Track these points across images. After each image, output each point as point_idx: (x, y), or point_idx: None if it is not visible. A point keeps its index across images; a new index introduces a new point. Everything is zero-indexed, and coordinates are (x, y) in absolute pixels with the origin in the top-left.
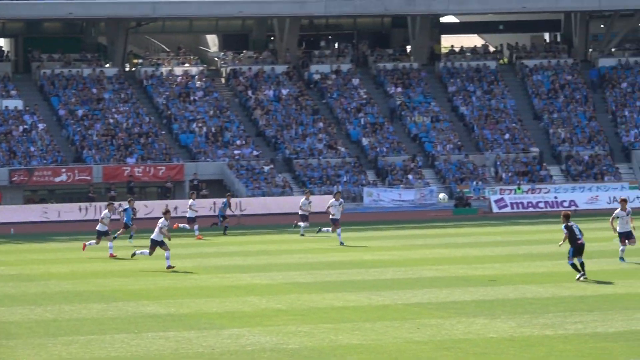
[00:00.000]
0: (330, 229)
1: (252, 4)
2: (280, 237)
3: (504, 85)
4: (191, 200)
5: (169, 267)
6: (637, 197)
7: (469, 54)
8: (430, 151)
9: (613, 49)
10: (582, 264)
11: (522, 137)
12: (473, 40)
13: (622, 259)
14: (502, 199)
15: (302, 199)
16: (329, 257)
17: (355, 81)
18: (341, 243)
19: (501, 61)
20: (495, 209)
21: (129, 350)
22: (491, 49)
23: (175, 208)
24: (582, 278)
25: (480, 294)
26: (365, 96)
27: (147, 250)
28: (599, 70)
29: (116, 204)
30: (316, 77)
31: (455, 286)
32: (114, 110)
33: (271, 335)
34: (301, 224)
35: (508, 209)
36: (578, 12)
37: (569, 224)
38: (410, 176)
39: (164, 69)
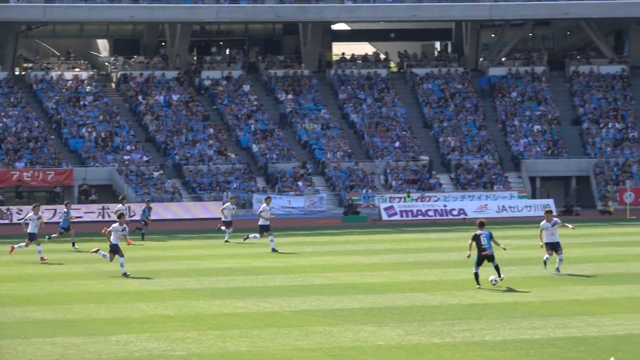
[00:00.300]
0: (258, 235)
1: (143, 9)
2: (169, 243)
3: (395, 93)
4: (119, 206)
5: (125, 273)
6: (526, 206)
7: (359, 61)
8: (321, 158)
9: (503, 59)
10: (496, 267)
11: (412, 145)
12: (364, 48)
13: (544, 263)
14: (391, 207)
15: (227, 203)
16: (218, 263)
17: (246, 87)
18: (273, 249)
19: (392, 69)
20: (384, 217)
21: (16, 356)
22: (382, 56)
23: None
24: (494, 281)
25: (368, 301)
26: (256, 103)
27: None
28: (489, 78)
29: (42, 207)
30: (207, 83)
31: (343, 294)
32: (3, 114)
33: (159, 341)
34: (223, 228)
35: (397, 217)
36: (469, 22)
37: (478, 232)
38: (300, 183)
39: (54, 74)
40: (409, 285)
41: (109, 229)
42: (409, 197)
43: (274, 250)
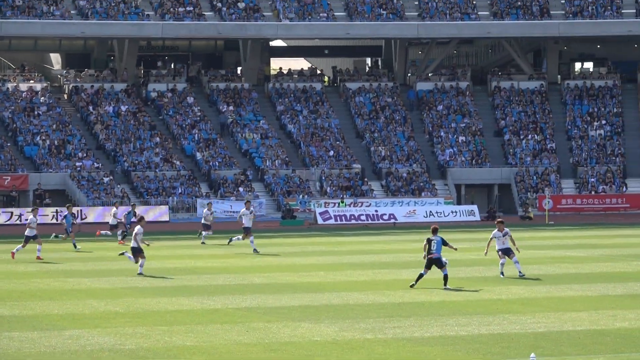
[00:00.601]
0: (240, 237)
1: (93, 26)
2: (116, 245)
3: (329, 106)
4: (114, 209)
5: (140, 273)
6: (452, 212)
7: (296, 76)
8: (260, 166)
9: (430, 74)
10: (445, 276)
11: (345, 154)
12: (300, 63)
13: (502, 266)
14: (326, 211)
15: (205, 209)
16: (164, 264)
17: (190, 99)
18: (255, 250)
19: (326, 83)
20: (320, 221)
21: None
22: (317, 71)
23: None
24: (426, 280)
25: (306, 300)
26: (199, 113)
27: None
28: (417, 92)
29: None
30: (153, 95)
31: (282, 292)
32: None
33: (109, 336)
34: (204, 232)
35: (332, 221)
36: (398, 40)
37: (431, 237)
38: (241, 189)
39: (10, 85)
40: (343, 285)
41: (134, 232)
42: (342, 202)
43: (255, 251)
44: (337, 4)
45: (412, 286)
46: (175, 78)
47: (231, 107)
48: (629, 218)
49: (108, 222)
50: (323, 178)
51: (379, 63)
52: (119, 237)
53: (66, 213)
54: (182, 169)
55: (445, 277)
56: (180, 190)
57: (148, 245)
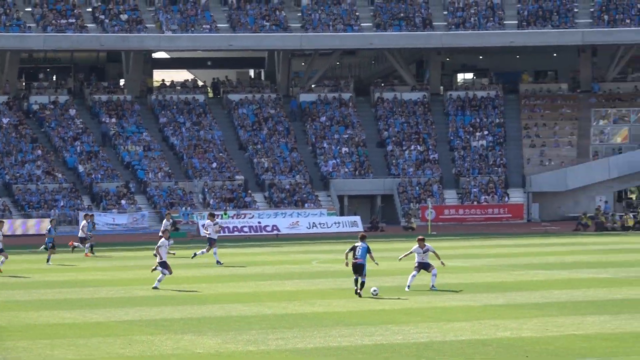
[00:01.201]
0: (205, 250)
1: None
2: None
3: (212, 118)
4: (84, 222)
5: (155, 287)
6: (335, 223)
7: (179, 87)
8: (143, 178)
9: (313, 85)
10: (362, 283)
11: (228, 166)
12: (183, 75)
13: (408, 286)
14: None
15: (164, 220)
16: (46, 277)
17: (72, 111)
18: (218, 262)
19: (209, 95)
20: (202, 233)
21: None
22: (200, 83)
23: None
24: (358, 292)
25: (188, 312)
26: (81, 126)
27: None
28: (299, 103)
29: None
30: (35, 107)
31: (164, 305)
32: None
33: None
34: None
35: None
36: (281, 51)
37: (356, 244)
38: (123, 201)
39: None
40: (225, 296)
41: (157, 245)
42: (225, 214)
43: (218, 262)
44: (220, 15)
45: (358, 293)
46: (57, 90)
47: (113, 119)
48: (511, 228)
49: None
50: (206, 190)
51: (262, 74)
52: (86, 250)
53: (85, 222)
54: (64, 181)
55: (362, 284)
56: (62, 203)
57: (174, 254)
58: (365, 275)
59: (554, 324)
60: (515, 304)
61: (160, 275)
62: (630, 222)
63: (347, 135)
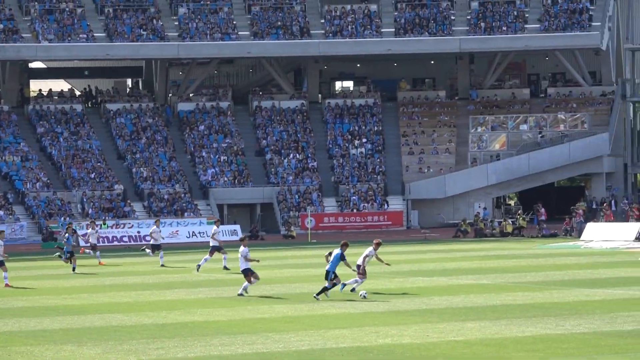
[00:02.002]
0: (208, 256)
1: None
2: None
3: (90, 127)
4: (90, 230)
5: (240, 294)
6: (231, 232)
7: (56, 97)
8: (21, 188)
9: (191, 94)
10: (324, 289)
11: (107, 176)
12: (60, 85)
13: (353, 289)
14: (87, 233)
15: (153, 226)
16: None
17: None
18: (199, 265)
19: (87, 104)
20: (82, 243)
21: None
22: (77, 92)
23: None
24: (318, 296)
25: (68, 322)
26: None
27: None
28: (177, 113)
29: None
30: None
31: (44, 315)
32: None
33: None
34: (148, 250)
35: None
36: (158, 60)
37: (334, 251)
38: (1, 212)
39: None
40: (105, 306)
41: (240, 254)
42: (104, 224)
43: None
44: (97, 24)
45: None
46: None
47: None
48: (390, 235)
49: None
50: (85, 200)
51: (140, 84)
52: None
53: (67, 235)
54: None
55: (324, 289)
56: None
57: (258, 261)
58: (331, 280)
59: (435, 330)
60: (396, 310)
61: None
62: (509, 228)
63: (225, 144)
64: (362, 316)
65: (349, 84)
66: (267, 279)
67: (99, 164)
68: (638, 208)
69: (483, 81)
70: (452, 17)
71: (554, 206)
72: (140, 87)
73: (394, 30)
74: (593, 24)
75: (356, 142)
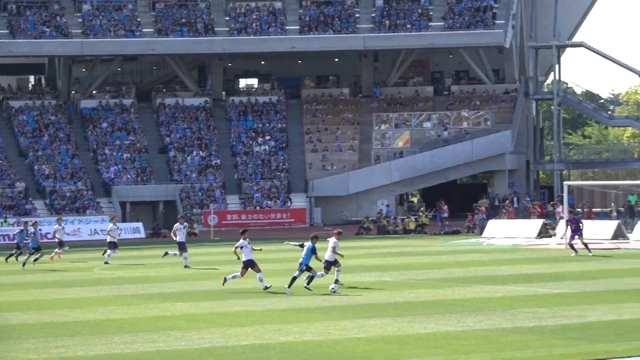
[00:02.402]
0: (177, 252)
1: None
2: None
3: None
4: (56, 226)
5: (265, 287)
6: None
7: None
8: None
9: (94, 91)
10: (293, 279)
11: (8, 173)
12: None
13: (312, 279)
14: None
15: (110, 225)
16: None
17: None
18: (186, 266)
19: None
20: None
21: None
22: None
23: None
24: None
25: None
26: None
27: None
28: (80, 110)
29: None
30: None
31: None
32: None
33: None
34: (109, 251)
35: None
36: (61, 57)
37: (307, 243)
38: None
39: None
40: (6, 305)
41: (237, 245)
42: (5, 222)
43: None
44: (0, 21)
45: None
46: None
47: None
48: (293, 232)
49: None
50: None
51: (43, 81)
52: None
53: (33, 230)
54: None
55: (293, 280)
56: None
57: (261, 250)
58: (301, 271)
59: (337, 327)
60: (298, 307)
61: (259, 274)
62: (412, 226)
63: (128, 142)
64: (264, 314)
65: (253, 81)
66: (169, 276)
67: (0, 161)
68: (540, 205)
69: (387, 79)
70: (357, 15)
71: (457, 203)
72: (43, 84)
73: (298, 27)
74: (497, 22)
75: (260, 139)
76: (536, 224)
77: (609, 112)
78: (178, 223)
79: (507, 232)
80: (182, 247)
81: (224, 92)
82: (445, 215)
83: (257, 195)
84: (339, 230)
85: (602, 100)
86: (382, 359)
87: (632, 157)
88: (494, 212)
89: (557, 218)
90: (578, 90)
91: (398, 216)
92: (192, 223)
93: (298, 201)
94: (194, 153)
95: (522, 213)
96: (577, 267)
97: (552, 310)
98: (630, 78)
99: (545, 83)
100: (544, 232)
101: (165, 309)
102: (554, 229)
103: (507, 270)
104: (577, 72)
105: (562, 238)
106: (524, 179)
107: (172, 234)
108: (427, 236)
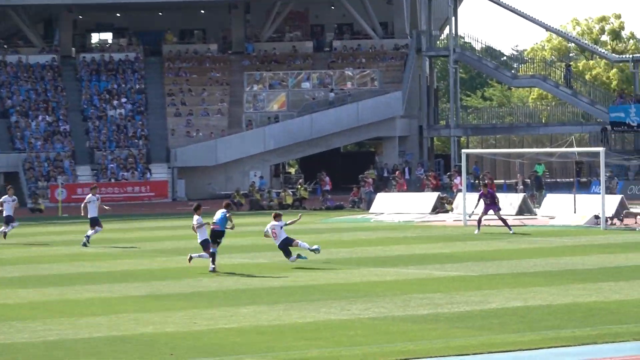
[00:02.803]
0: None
1: None
2: None
3: None
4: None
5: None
6: None
7: None
8: None
9: None
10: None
11: None
12: None
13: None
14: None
15: (6, 196)
16: None
17: None
18: (85, 244)
19: None
20: None
21: None
22: None
23: None
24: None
25: None
26: None
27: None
28: None
29: None
30: None
31: None
32: None
33: None
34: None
35: None
36: None
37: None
38: None
39: None
40: None
41: (194, 224)
42: None
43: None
44: None
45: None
46: None
47: None
48: (154, 208)
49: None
50: None
51: None
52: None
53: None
54: None
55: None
56: None
57: (232, 228)
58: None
59: (203, 316)
60: (160, 294)
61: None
62: (289, 200)
63: None
64: (120, 301)
65: (107, 36)
66: (9, 258)
67: None
68: (435, 176)
69: (260, 33)
70: None
71: (340, 174)
72: None
73: None
74: None
75: (115, 102)
76: (430, 197)
77: (513, 71)
78: (6, 195)
79: (398, 207)
80: (9, 220)
81: (73, 49)
82: (327, 188)
83: (111, 165)
84: (278, 212)
85: (505, 58)
86: (255, 351)
87: (538, 121)
88: (383, 184)
89: (454, 191)
90: (477, 47)
91: (273, 189)
92: (37, 198)
93: (159, 173)
94: (40, 118)
95: (415, 185)
96: (477, 246)
97: (449, 295)
98: (536, 33)
99: (440, 38)
100: (440, 207)
101: (6, 296)
102: (450, 203)
103: (398, 250)
104: (477, 25)
105: (471, 215)
106: (416, 147)
107: None
108: (306, 212)
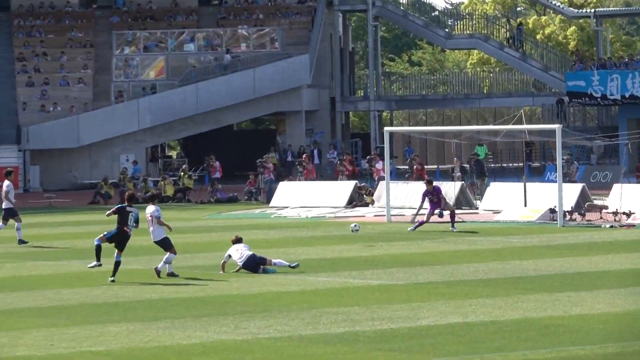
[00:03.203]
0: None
1: None
2: None
3: None
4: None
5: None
6: None
7: None
8: None
9: None
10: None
11: None
12: None
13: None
14: None
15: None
16: None
17: None
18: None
19: None
20: None
21: None
22: None
23: None
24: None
25: None
26: None
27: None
28: None
29: None
30: None
31: None
32: None
33: None
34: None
35: None
36: None
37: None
38: None
39: None
40: None
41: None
42: None
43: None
44: None
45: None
46: None
47: None
48: None
49: None
50: None
51: None
52: None
53: None
54: None
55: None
56: None
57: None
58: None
59: (63, 336)
60: (10, 309)
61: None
62: (170, 191)
63: None
64: None
65: None
66: None
67: None
68: (350, 161)
69: None
70: None
71: (234, 159)
72: None
73: None
74: None
75: None
76: (346, 187)
77: (447, 30)
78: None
79: (305, 200)
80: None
81: None
82: (217, 175)
83: None
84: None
85: (437, 13)
86: None
87: (479, 92)
88: (286, 171)
89: (376, 179)
90: None
91: (149, 177)
92: None
93: (6, 157)
94: None
95: (326, 172)
96: (404, 248)
97: (370, 309)
98: None
99: None
100: (357, 199)
101: None
102: (371, 194)
103: (306, 253)
104: None
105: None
106: (327, 124)
107: None
108: (191, 205)
